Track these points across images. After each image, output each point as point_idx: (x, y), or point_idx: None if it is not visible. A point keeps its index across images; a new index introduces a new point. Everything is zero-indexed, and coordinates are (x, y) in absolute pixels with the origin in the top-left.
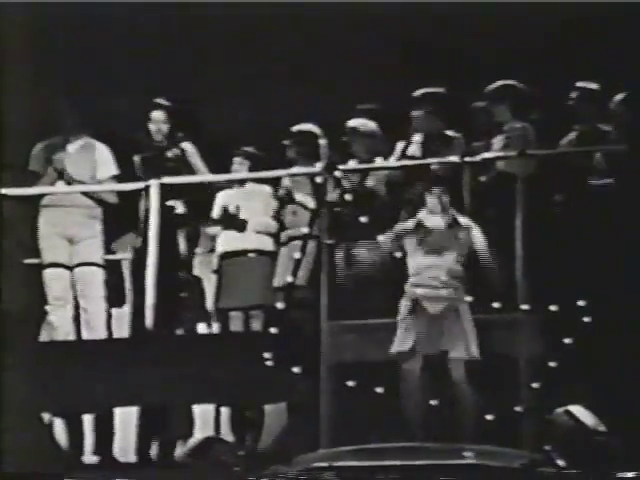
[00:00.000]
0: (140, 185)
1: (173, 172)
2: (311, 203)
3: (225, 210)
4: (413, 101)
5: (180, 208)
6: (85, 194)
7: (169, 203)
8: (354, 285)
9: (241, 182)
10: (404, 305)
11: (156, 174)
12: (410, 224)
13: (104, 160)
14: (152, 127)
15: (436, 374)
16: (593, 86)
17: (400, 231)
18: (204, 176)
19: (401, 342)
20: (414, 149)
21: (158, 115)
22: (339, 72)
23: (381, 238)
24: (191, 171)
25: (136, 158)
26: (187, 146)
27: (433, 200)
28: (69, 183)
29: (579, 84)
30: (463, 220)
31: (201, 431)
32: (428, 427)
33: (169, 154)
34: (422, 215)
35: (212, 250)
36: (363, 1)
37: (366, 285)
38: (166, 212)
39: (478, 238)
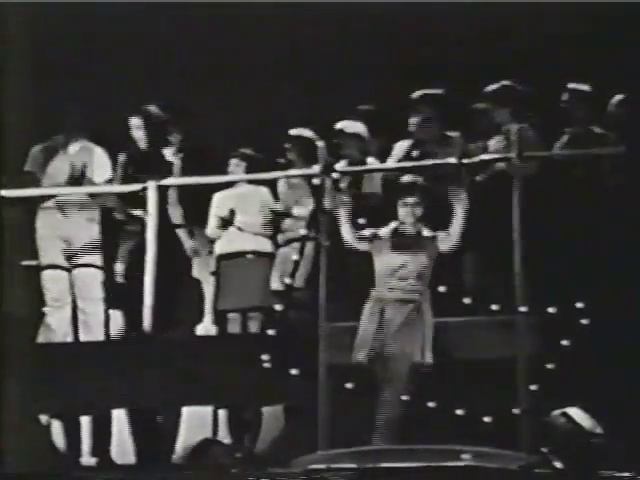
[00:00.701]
0: (138, 187)
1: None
2: (308, 210)
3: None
4: (411, 102)
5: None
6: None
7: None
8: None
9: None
10: (369, 309)
11: (143, 175)
12: (384, 230)
13: (101, 163)
14: (134, 132)
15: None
16: (585, 88)
17: (371, 236)
18: (202, 178)
19: (363, 349)
20: (412, 150)
21: (135, 122)
22: (337, 73)
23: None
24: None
25: (122, 157)
26: (175, 161)
27: (405, 210)
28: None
29: (571, 86)
30: (429, 233)
31: (198, 433)
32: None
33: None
34: (394, 223)
35: (210, 252)
36: (363, 1)
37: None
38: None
39: (444, 240)
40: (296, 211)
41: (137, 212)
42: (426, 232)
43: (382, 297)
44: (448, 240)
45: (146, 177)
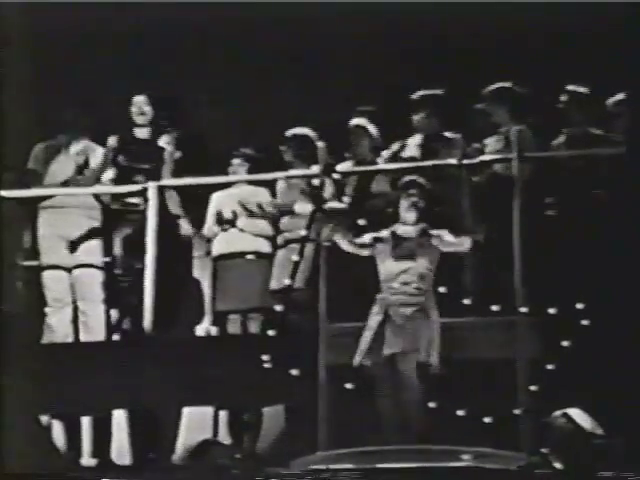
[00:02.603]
0: (138, 187)
1: (149, 173)
2: (309, 208)
3: (219, 214)
4: (412, 103)
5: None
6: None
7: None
8: (351, 287)
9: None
10: (375, 313)
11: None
12: (384, 233)
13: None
14: (133, 110)
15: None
16: (582, 89)
17: (372, 239)
18: (201, 178)
19: (369, 352)
20: (413, 151)
21: (139, 99)
22: (338, 73)
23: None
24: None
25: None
26: (167, 148)
27: (406, 205)
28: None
29: (569, 87)
30: (434, 231)
31: (199, 433)
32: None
33: (149, 152)
34: (396, 225)
35: (210, 252)
36: (363, 1)
37: (364, 287)
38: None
39: (449, 242)
40: (297, 208)
41: (134, 200)
42: (431, 231)
43: (387, 301)
44: (459, 246)
45: (140, 167)
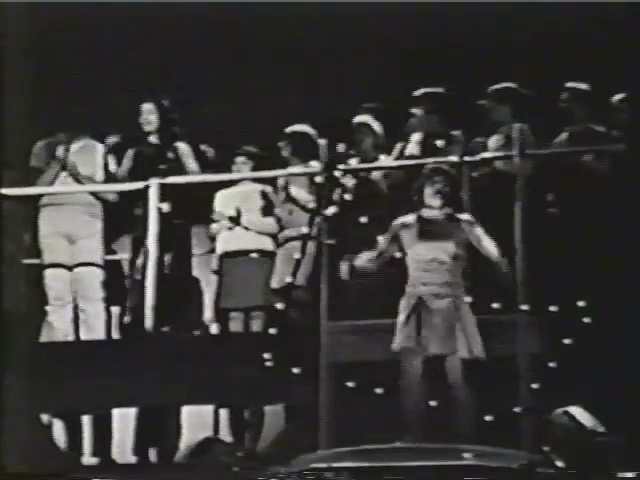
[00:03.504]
0: (140, 185)
1: (165, 173)
2: (307, 199)
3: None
4: (413, 101)
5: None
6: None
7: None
8: (354, 285)
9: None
10: (406, 304)
11: (149, 172)
12: (409, 218)
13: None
14: (142, 119)
15: (436, 374)
16: (583, 86)
17: (398, 226)
18: (204, 176)
19: (405, 338)
20: (413, 148)
21: (147, 107)
22: (339, 71)
23: (380, 239)
24: (183, 172)
25: (130, 152)
26: (181, 146)
27: (432, 192)
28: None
29: (569, 84)
30: (462, 216)
31: (200, 432)
32: (427, 427)
33: (163, 154)
34: (422, 210)
35: (211, 251)
36: (363, 1)
37: (366, 285)
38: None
39: (478, 235)
40: (294, 192)
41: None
42: (459, 215)
43: (416, 292)
44: (489, 249)
45: (154, 172)
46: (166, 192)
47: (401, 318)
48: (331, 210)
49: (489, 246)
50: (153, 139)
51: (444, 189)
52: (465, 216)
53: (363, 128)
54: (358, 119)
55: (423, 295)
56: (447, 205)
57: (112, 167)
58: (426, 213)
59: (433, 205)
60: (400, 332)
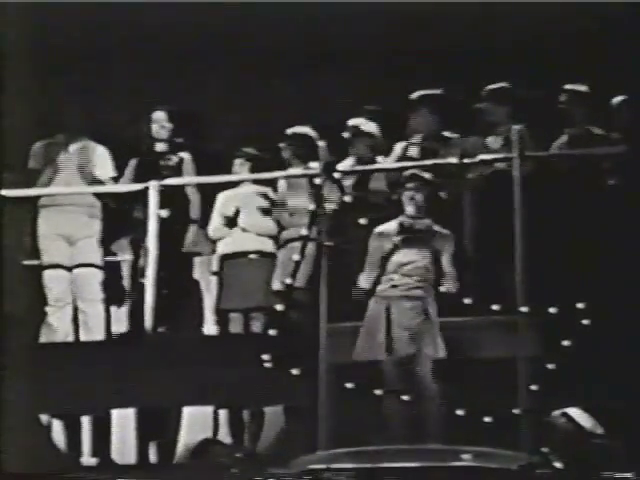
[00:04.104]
0: (139, 187)
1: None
2: (307, 205)
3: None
4: (411, 102)
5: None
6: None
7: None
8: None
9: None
10: (373, 305)
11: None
12: (391, 226)
13: (102, 162)
14: (154, 127)
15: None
16: (582, 88)
17: (377, 235)
18: (203, 177)
19: (370, 347)
20: (412, 150)
21: (160, 115)
22: (338, 73)
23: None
24: None
25: (133, 161)
26: (186, 157)
27: (406, 198)
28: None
29: (568, 86)
30: (437, 227)
31: (199, 433)
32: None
33: (167, 162)
34: (401, 217)
35: (212, 252)
36: (363, 2)
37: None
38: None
39: (447, 251)
40: (292, 203)
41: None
42: (435, 227)
43: (386, 294)
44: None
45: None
46: (165, 196)
47: (366, 322)
48: (330, 211)
49: (447, 267)
50: (160, 147)
51: (416, 195)
52: (444, 230)
53: (358, 130)
54: (356, 121)
55: (392, 298)
56: (420, 211)
57: (111, 171)
58: (405, 221)
59: (408, 212)
60: (363, 339)
